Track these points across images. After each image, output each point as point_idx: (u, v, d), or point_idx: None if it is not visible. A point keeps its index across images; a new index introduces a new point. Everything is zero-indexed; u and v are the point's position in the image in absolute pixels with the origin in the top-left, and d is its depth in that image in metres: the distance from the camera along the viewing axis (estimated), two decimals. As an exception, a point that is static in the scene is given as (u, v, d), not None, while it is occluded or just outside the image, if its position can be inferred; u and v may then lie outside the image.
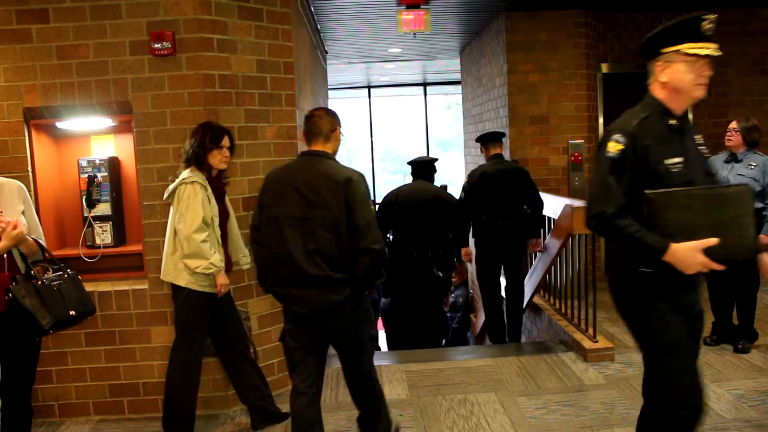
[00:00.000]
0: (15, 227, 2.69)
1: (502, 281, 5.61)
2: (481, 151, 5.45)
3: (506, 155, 6.43)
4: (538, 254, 5.53)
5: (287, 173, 2.93)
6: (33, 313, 2.70)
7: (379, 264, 2.83)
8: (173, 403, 3.40)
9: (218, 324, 3.49)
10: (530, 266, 5.76)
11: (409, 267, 5.29)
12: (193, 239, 3.21)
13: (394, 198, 5.27)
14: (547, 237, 5.31)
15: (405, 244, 5.30)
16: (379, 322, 5.50)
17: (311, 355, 2.94)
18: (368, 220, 2.80)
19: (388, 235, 5.35)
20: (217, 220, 3.36)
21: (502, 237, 5.04)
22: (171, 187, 3.33)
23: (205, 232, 3.25)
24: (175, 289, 3.36)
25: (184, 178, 3.28)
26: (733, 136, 4.34)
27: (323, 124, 2.95)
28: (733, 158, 4.35)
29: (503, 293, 5.60)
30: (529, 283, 5.70)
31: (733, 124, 4.37)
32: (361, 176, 2.89)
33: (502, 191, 5.00)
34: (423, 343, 6.07)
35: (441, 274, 5.43)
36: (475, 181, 5.12)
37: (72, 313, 2.84)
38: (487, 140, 5.27)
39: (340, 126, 3.02)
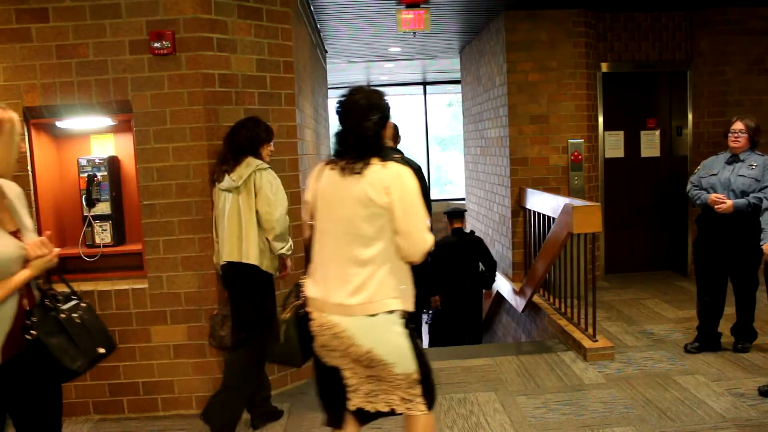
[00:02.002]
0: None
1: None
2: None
3: (506, 153, 6.49)
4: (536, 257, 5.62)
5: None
6: (59, 354, 2.12)
7: None
8: (229, 398, 3.40)
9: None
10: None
11: None
12: (286, 220, 3.39)
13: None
14: (547, 235, 5.31)
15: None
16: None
17: None
18: None
19: None
20: None
21: (460, 291, 6.31)
22: (245, 174, 3.33)
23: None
24: (250, 273, 3.37)
25: (258, 165, 3.35)
26: (741, 138, 4.25)
27: None
28: (734, 159, 4.31)
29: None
30: (529, 284, 5.71)
31: (739, 125, 4.27)
32: None
33: (459, 257, 6.28)
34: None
35: None
36: (439, 249, 6.19)
37: (101, 351, 2.28)
38: (452, 217, 6.44)
39: None
